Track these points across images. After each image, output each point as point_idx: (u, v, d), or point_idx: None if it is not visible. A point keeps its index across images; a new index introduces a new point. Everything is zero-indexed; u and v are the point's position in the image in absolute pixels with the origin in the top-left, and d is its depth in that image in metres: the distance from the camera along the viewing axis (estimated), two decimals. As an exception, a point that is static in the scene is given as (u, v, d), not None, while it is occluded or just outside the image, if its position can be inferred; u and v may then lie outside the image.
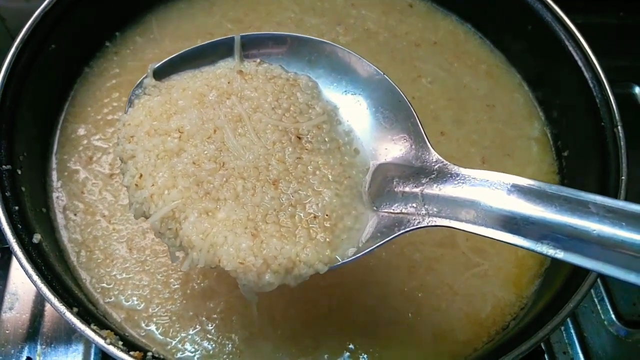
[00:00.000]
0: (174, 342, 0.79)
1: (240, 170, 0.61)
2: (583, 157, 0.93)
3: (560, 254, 0.51)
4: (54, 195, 0.90)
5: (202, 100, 0.65)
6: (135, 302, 0.82)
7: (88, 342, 0.90)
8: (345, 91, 0.72)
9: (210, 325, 0.80)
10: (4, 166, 0.79)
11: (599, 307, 0.99)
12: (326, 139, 0.66)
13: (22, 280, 0.94)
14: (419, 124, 0.66)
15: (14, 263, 0.95)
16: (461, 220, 0.57)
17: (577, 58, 0.92)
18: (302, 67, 0.73)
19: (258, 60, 0.70)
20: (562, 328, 0.96)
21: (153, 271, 0.84)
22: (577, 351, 0.95)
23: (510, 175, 0.56)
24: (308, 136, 0.65)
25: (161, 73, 0.71)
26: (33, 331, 0.91)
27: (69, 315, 0.68)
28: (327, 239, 0.60)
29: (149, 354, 0.73)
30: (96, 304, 0.81)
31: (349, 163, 0.66)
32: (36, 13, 0.88)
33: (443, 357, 0.81)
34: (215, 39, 0.72)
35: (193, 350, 0.79)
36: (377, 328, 0.82)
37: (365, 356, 0.80)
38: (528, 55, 1.05)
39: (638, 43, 1.33)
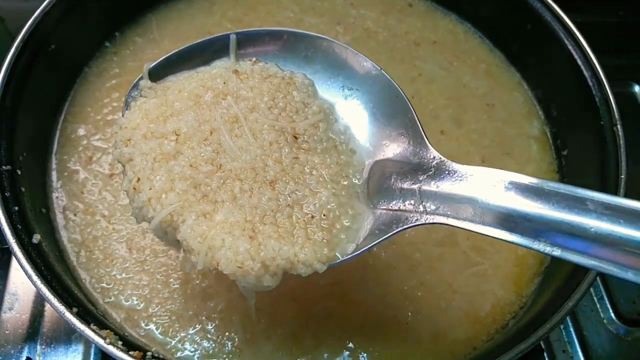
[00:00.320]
0: (173, 342, 0.79)
1: (237, 171, 0.61)
2: (582, 156, 0.93)
3: (557, 252, 0.51)
4: (54, 195, 0.90)
5: (198, 101, 0.65)
6: (135, 302, 0.82)
7: (88, 342, 0.90)
8: (343, 86, 0.72)
9: (210, 324, 0.80)
10: (3, 166, 0.80)
11: (598, 306, 0.99)
12: (322, 138, 0.66)
13: (22, 280, 0.94)
14: (417, 120, 0.66)
15: (14, 263, 0.95)
16: (459, 218, 0.57)
17: (576, 57, 0.92)
18: (298, 63, 0.72)
19: (254, 59, 0.70)
20: (562, 326, 0.96)
21: (153, 271, 0.84)
22: (576, 350, 0.95)
23: (508, 172, 0.56)
24: (304, 135, 0.65)
25: (157, 73, 0.71)
26: (33, 331, 0.91)
27: (68, 316, 0.68)
28: (325, 239, 0.61)
29: (149, 353, 0.73)
30: (96, 304, 0.81)
31: (346, 162, 0.66)
32: (36, 13, 0.88)
33: (443, 356, 0.81)
34: (212, 36, 0.72)
35: (193, 349, 0.79)
36: (377, 327, 0.82)
37: (364, 355, 0.80)
38: (527, 54, 1.05)
39: (637, 42, 1.33)
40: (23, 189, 0.81)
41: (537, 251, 0.52)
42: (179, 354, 0.78)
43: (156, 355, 0.74)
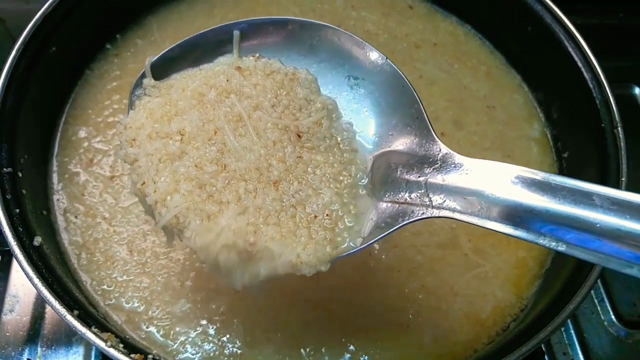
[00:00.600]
0: (175, 345, 0.79)
1: (241, 172, 0.61)
2: (583, 158, 0.93)
3: (562, 247, 0.51)
4: (55, 197, 0.90)
5: (201, 100, 0.65)
6: (136, 305, 0.82)
7: (88, 345, 0.90)
8: (348, 76, 0.71)
9: (210, 327, 0.80)
10: (4, 169, 0.79)
11: (599, 308, 0.99)
12: (325, 136, 0.66)
13: (23, 282, 0.94)
14: (423, 111, 0.65)
15: (15, 265, 0.95)
16: (464, 212, 0.57)
17: (576, 59, 0.92)
18: (304, 53, 0.72)
19: (257, 54, 0.70)
20: (562, 329, 0.96)
21: (153, 273, 0.84)
22: (577, 352, 0.95)
23: (515, 165, 0.56)
24: (308, 134, 0.65)
25: (160, 70, 0.70)
26: (34, 333, 0.91)
27: (69, 318, 0.68)
28: (328, 237, 0.61)
29: (150, 356, 0.73)
30: (97, 307, 0.81)
31: (349, 160, 0.66)
32: (37, 15, 0.88)
33: (443, 359, 0.81)
34: (214, 27, 0.71)
35: (194, 352, 0.79)
36: (378, 329, 0.82)
37: (365, 357, 0.80)
38: (528, 56, 1.05)
39: (638, 43, 1.33)
40: (24, 191, 0.81)
41: (542, 246, 0.52)
42: (180, 357, 0.78)
43: (157, 357, 0.74)
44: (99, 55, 1.04)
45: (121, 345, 0.70)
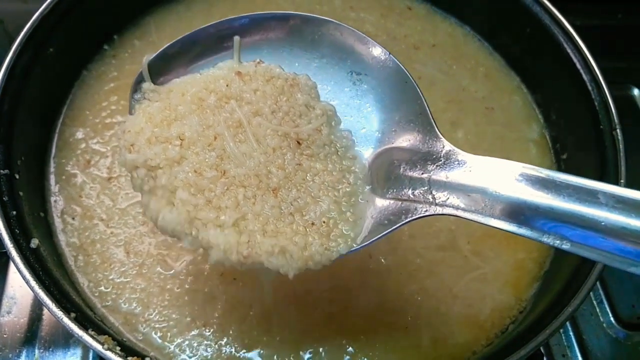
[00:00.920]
0: (171, 347, 0.79)
1: (241, 178, 0.61)
2: (582, 160, 0.93)
3: (566, 245, 0.51)
4: (52, 199, 0.90)
5: (201, 105, 0.65)
6: (133, 306, 0.82)
7: (86, 346, 0.89)
8: (351, 71, 0.70)
9: (207, 330, 0.80)
10: (1, 171, 0.79)
11: (597, 310, 0.99)
12: (325, 143, 0.65)
13: (20, 283, 0.93)
14: (426, 107, 0.65)
15: (12, 267, 0.95)
16: (468, 210, 0.57)
17: (575, 60, 0.92)
18: (305, 48, 0.71)
19: (257, 60, 0.69)
20: (561, 331, 0.96)
21: (150, 275, 0.84)
22: (576, 354, 0.95)
23: (519, 162, 0.55)
24: (308, 141, 0.64)
25: (161, 67, 0.69)
26: (31, 335, 0.91)
27: (66, 321, 0.68)
28: (324, 246, 0.60)
29: (147, 359, 0.73)
30: (94, 308, 0.81)
31: (347, 168, 0.65)
32: (34, 16, 0.88)
33: (442, 361, 0.81)
34: (213, 22, 0.70)
35: (191, 355, 0.78)
36: (377, 332, 0.82)
37: (364, 359, 0.80)
38: (527, 57, 1.05)
39: (637, 44, 1.33)
40: (21, 193, 0.81)
41: (546, 244, 0.52)
42: (177, 359, 0.78)
43: (154, 360, 0.74)
44: (97, 56, 1.03)
45: (118, 348, 0.69)
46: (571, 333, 0.96)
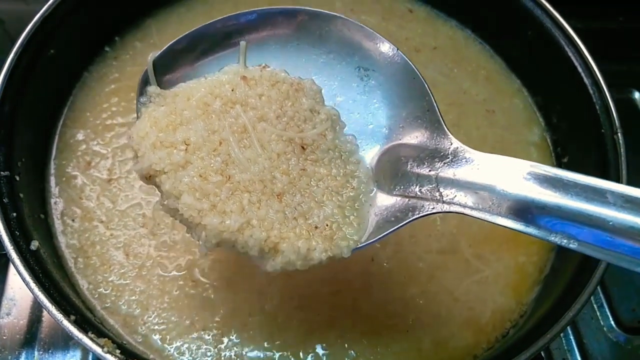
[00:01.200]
0: (171, 350, 0.79)
1: (245, 183, 0.61)
2: (583, 164, 0.93)
3: (574, 245, 0.51)
4: (52, 201, 0.90)
5: (206, 110, 0.64)
6: (132, 308, 0.82)
7: (85, 349, 0.88)
8: (358, 67, 0.70)
9: (207, 334, 0.80)
10: (2, 172, 0.79)
11: (598, 314, 0.98)
12: (329, 147, 0.65)
13: (20, 285, 0.93)
14: (434, 104, 0.65)
15: (12, 268, 0.95)
16: (475, 208, 0.57)
17: (576, 64, 0.92)
18: (312, 43, 0.70)
19: (262, 64, 0.69)
20: (562, 334, 0.96)
21: (150, 277, 0.84)
22: (576, 358, 0.95)
23: (527, 161, 0.55)
24: (312, 146, 0.64)
25: (168, 63, 0.69)
26: (30, 337, 0.91)
27: (66, 324, 0.68)
28: (327, 249, 0.60)
29: (146, 362, 0.73)
30: (93, 311, 0.81)
31: (351, 172, 0.65)
32: (36, 18, 0.88)
33: (443, 364, 0.81)
34: (220, 17, 0.70)
35: (190, 357, 0.78)
36: (378, 335, 0.82)
37: (365, 363, 0.80)
38: (528, 60, 1.05)
39: (638, 48, 1.33)
40: (21, 195, 0.81)
41: (553, 243, 0.52)
42: (176, 362, 0.78)
43: (154, 363, 0.74)
44: (98, 57, 1.03)
45: (118, 351, 0.69)
46: (571, 337, 0.96)
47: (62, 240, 0.86)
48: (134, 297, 0.82)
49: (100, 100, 0.99)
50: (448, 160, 0.61)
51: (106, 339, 0.70)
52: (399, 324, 0.83)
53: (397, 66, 0.68)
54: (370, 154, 0.68)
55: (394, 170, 0.65)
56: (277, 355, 0.79)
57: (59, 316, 0.68)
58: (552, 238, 0.52)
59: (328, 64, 0.71)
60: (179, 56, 0.70)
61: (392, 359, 0.80)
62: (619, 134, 0.84)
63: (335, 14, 0.70)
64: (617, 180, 0.82)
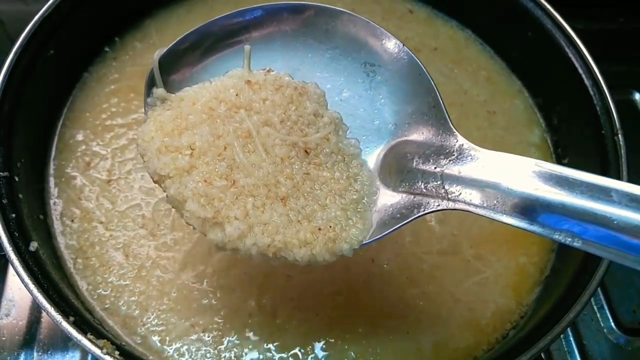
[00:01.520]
0: (170, 351, 0.79)
1: (250, 188, 0.61)
2: (583, 165, 0.93)
3: (578, 243, 0.51)
4: (51, 201, 0.89)
5: (211, 114, 0.64)
6: (132, 309, 0.81)
7: (85, 350, 0.89)
8: (364, 63, 0.70)
9: (207, 335, 0.80)
10: (1, 173, 0.79)
11: (598, 315, 0.98)
12: (333, 151, 0.65)
13: (19, 286, 0.93)
14: (440, 100, 0.65)
15: (11, 269, 0.94)
16: (480, 205, 0.57)
17: (577, 65, 0.92)
18: (319, 39, 0.70)
19: (267, 68, 0.69)
20: (562, 336, 0.95)
21: (149, 278, 0.84)
22: (576, 359, 0.95)
23: (532, 159, 0.55)
24: (315, 150, 0.64)
25: (170, 66, 0.69)
26: (29, 338, 0.91)
27: (65, 325, 0.67)
28: (328, 246, 0.60)
29: (145, 363, 0.73)
30: (92, 311, 0.80)
31: (354, 175, 0.65)
32: (35, 18, 0.88)
33: (443, 366, 0.81)
34: (226, 14, 0.69)
35: (190, 359, 0.78)
36: (378, 336, 0.81)
37: (365, 364, 0.79)
38: (528, 61, 1.05)
39: (638, 49, 1.33)
40: (20, 196, 0.81)
41: (557, 241, 0.52)
42: (176, 363, 0.78)
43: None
44: (98, 58, 1.03)
45: (117, 352, 0.69)
46: (572, 338, 0.96)
47: (61, 241, 0.86)
48: (133, 298, 0.82)
49: (99, 100, 0.99)
50: (453, 157, 0.61)
51: (105, 340, 0.70)
52: (399, 325, 0.82)
53: (403, 62, 0.68)
54: (376, 151, 0.68)
55: (399, 166, 0.65)
56: (276, 356, 0.79)
57: (58, 317, 0.68)
58: (556, 236, 0.52)
59: (334, 60, 0.71)
60: (184, 54, 0.70)
61: (392, 359, 0.80)
62: (620, 135, 0.84)
63: (341, 9, 0.70)
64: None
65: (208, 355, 0.78)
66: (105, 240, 0.86)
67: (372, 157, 0.68)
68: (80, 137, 0.95)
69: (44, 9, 0.89)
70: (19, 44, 0.85)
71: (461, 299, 0.85)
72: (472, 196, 0.58)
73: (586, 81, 0.89)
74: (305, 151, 0.64)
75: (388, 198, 0.64)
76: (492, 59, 1.10)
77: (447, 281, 0.86)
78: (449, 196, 0.59)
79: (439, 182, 0.61)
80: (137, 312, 0.81)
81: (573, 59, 0.92)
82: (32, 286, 0.69)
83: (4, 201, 0.76)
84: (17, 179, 0.81)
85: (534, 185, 0.53)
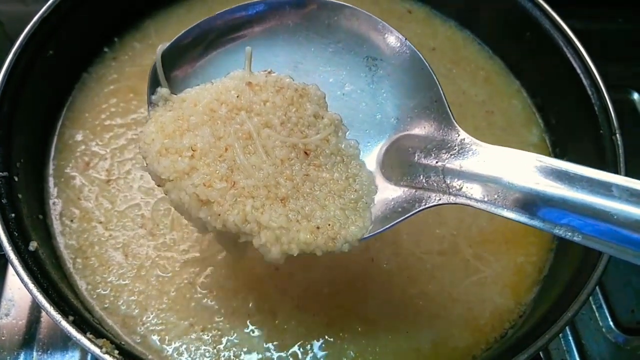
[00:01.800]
0: (170, 350, 0.79)
1: (250, 189, 0.61)
2: (581, 164, 0.93)
3: (578, 237, 0.51)
4: (51, 201, 0.90)
5: (213, 116, 0.65)
6: (131, 309, 0.82)
7: (84, 349, 0.89)
8: (367, 56, 0.70)
9: (206, 334, 0.80)
10: (0, 173, 0.79)
11: (597, 314, 0.99)
12: (333, 152, 0.66)
13: (19, 286, 0.93)
14: (442, 95, 0.65)
15: (11, 269, 0.94)
16: (481, 200, 0.57)
17: (575, 65, 0.92)
18: (321, 33, 0.70)
19: (268, 69, 0.69)
20: (560, 335, 0.96)
21: (148, 278, 0.84)
22: (575, 358, 0.95)
23: (534, 153, 0.56)
24: (315, 151, 0.65)
25: (173, 61, 0.69)
26: (29, 337, 0.91)
27: (64, 324, 0.68)
28: (328, 243, 0.61)
29: (145, 362, 0.73)
30: (92, 311, 0.81)
31: (354, 175, 0.66)
32: (35, 18, 0.88)
33: (442, 365, 0.81)
34: (229, 8, 0.70)
35: (190, 358, 0.78)
36: (377, 335, 0.81)
37: (364, 364, 0.79)
38: (527, 61, 1.05)
39: (637, 49, 1.33)
40: (20, 196, 0.81)
41: (557, 236, 0.52)
42: (175, 363, 0.78)
43: (152, 363, 0.74)
44: (97, 58, 1.04)
45: (116, 352, 0.69)
46: (570, 338, 0.96)
47: (60, 240, 0.86)
48: (132, 298, 0.82)
49: (99, 101, 0.99)
50: (455, 151, 0.62)
51: (105, 339, 0.70)
52: (399, 324, 0.82)
53: (405, 56, 0.68)
54: (377, 145, 0.68)
55: (401, 161, 0.66)
56: (275, 355, 0.79)
57: (58, 317, 0.68)
58: (557, 231, 0.52)
59: (336, 53, 0.71)
60: (186, 50, 0.70)
61: (391, 359, 0.80)
62: (618, 135, 0.84)
63: (343, 3, 0.70)
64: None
65: (207, 354, 0.79)
66: (105, 240, 0.87)
67: (374, 152, 0.68)
68: (79, 137, 0.96)
69: (43, 9, 0.89)
70: (18, 45, 0.85)
71: (460, 298, 0.85)
72: (473, 190, 0.58)
73: (584, 81, 0.90)
74: (305, 153, 0.64)
75: (390, 192, 0.65)
76: (491, 59, 1.10)
77: (446, 281, 0.86)
78: (450, 190, 0.60)
79: (440, 177, 0.61)
80: (136, 311, 0.81)
81: (571, 59, 0.92)
82: (31, 286, 0.69)
83: (4, 201, 0.77)
84: (16, 178, 0.82)
85: (535, 180, 0.54)
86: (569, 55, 0.93)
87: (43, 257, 0.78)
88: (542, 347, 0.70)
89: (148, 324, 0.80)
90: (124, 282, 0.83)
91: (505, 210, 0.55)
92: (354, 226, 0.62)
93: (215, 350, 0.79)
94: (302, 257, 0.62)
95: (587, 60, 0.90)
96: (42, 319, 0.92)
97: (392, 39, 0.69)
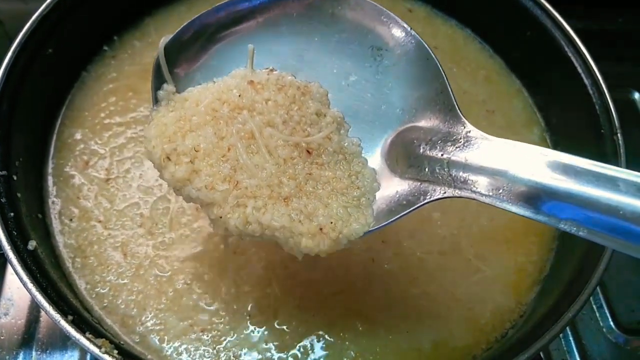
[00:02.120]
0: (169, 350, 0.79)
1: (252, 189, 0.61)
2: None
3: (583, 232, 0.50)
4: (50, 200, 0.89)
5: (215, 115, 0.64)
6: (130, 308, 0.81)
7: (83, 349, 0.88)
8: (372, 46, 0.69)
9: (206, 334, 0.80)
10: (-1, 172, 0.79)
11: (597, 315, 0.98)
12: (335, 150, 0.65)
13: (18, 285, 0.93)
14: (448, 86, 0.64)
15: (10, 268, 0.94)
16: (485, 194, 0.56)
17: (576, 64, 0.92)
18: (325, 22, 0.70)
19: (270, 67, 0.68)
20: (561, 335, 0.96)
21: (147, 277, 0.84)
22: (575, 358, 0.95)
23: (539, 147, 0.55)
24: (318, 150, 0.64)
25: (176, 57, 0.68)
26: (28, 337, 0.90)
27: (63, 324, 0.67)
28: (330, 241, 0.61)
29: (144, 362, 0.72)
30: (91, 310, 0.80)
31: (356, 173, 0.65)
32: (34, 16, 0.88)
33: (442, 365, 0.81)
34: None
35: (189, 358, 0.78)
36: (378, 335, 0.81)
37: (364, 363, 0.79)
38: (527, 61, 1.05)
39: (637, 49, 1.33)
40: (19, 195, 0.80)
41: (562, 230, 0.51)
42: (174, 363, 0.78)
43: (151, 363, 0.74)
44: (96, 57, 1.03)
45: (115, 351, 0.69)
46: (571, 338, 0.96)
47: (59, 239, 0.86)
48: (131, 297, 0.82)
49: (98, 99, 0.99)
50: (460, 144, 0.61)
51: (104, 339, 0.70)
52: (399, 324, 0.82)
53: (410, 46, 0.67)
54: (382, 137, 0.68)
55: (406, 153, 0.65)
56: (276, 356, 0.79)
57: (57, 316, 0.68)
58: (562, 225, 0.51)
59: (341, 43, 0.70)
60: (189, 43, 0.69)
61: (392, 358, 0.80)
62: (619, 135, 0.84)
63: None
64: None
65: (207, 354, 0.78)
66: (104, 239, 0.86)
67: (379, 143, 0.68)
68: (78, 136, 0.95)
69: (42, 7, 0.89)
70: (17, 43, 0.85)
71: (461, 298, 0.85)
72: (478, 184, 0.57)
73: (585, 80, 0.89)
74: (308, 151, 0.64)
75: (395, 185, 0.64)
76: (492, 58, 1.09)
77: (447, 281, 0.86)
78: (455, 183, 0.59)
79: (445, 169, 0.60)
80: (135, 311, 0.81)
81: (572, 59, 0.92)
82: (30, 285, 0.69)
83: (3, 200, 0.76)
84: (15, 177, 0.81)
85: (540, 174, 0.53)
86: (570, 54, 0.93)
87: (42, 256, 0.78)
88: (543, 348, 0.69)
89: (147, 324, 0.80)
90: (123, 282, 0.83)
91: (510, 204, 0.54)
92: (356, 223, 0.62)
93: (214, 351, 0.79)
94: (303, 257, 0.62)
95: (588, 60, 0.90)
96: (41, 318, 0.92)
97: (398, 29, 0.68)
